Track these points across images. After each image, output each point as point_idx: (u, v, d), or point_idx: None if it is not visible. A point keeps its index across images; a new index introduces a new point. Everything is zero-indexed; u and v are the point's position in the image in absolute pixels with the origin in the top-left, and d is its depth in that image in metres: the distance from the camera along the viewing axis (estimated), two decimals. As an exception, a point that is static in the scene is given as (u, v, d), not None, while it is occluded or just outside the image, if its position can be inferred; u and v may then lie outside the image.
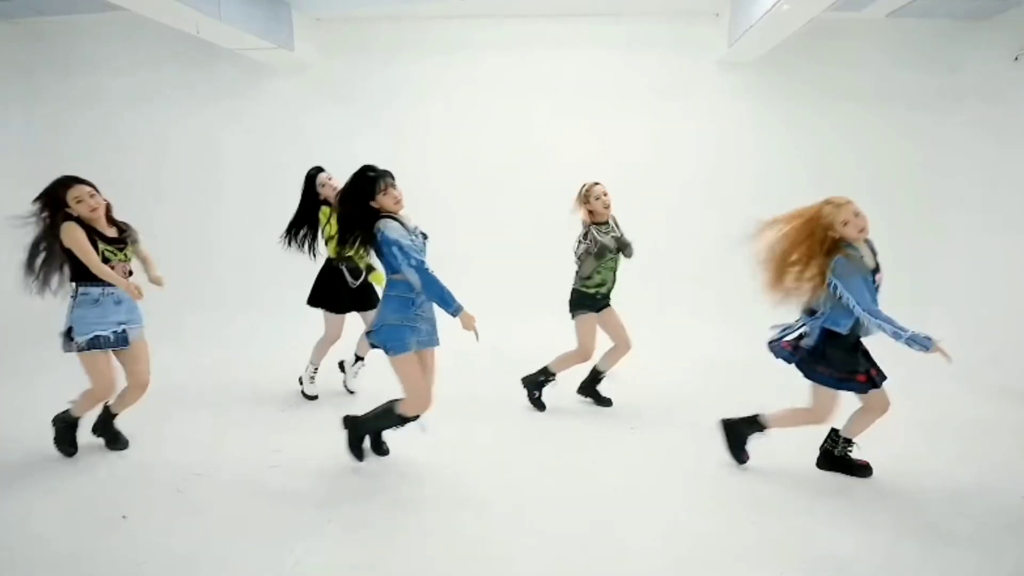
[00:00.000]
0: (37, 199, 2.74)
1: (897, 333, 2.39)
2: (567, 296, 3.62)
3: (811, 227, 2.55)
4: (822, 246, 2.53)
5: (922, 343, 2.34)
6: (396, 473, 2.86)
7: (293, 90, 5.78)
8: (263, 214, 5.81)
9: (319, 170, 3.67)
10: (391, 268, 2.61)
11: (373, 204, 2.57)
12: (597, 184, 3.50)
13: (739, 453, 2.89)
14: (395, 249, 2.51)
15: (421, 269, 2.54)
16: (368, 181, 2.56)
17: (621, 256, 3.59)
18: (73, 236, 2.67)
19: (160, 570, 2.12)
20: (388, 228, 2.53)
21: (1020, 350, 4.38)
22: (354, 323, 3.81)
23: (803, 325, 2.72)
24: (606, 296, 3.59)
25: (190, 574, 2.10)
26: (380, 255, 2.60)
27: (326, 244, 3.68)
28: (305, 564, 2.15)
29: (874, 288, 2.57)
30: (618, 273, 3.63)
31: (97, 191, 2.81)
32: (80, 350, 2.70)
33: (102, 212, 2.79)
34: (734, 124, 5.62)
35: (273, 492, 2.66)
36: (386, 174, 2.60)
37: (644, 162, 5.62)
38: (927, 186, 5.45)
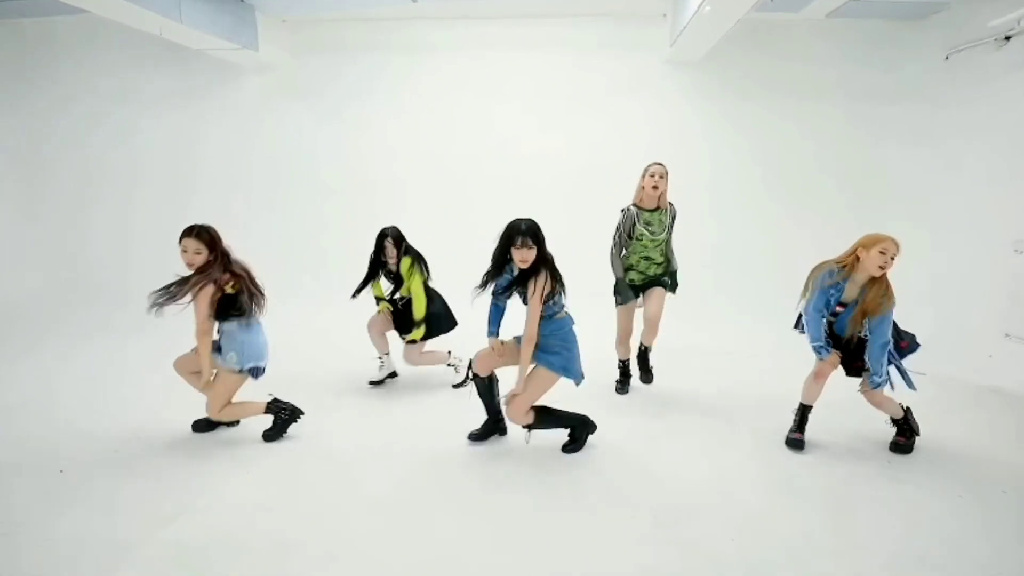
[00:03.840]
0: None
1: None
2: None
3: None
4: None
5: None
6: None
7: (260, 89, 6.05)
8: (233, 209, 6.12)
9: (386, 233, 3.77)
10: None
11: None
12: (656, 164, 3.50)
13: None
14: None
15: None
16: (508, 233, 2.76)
17: (663, 244, 3.58)
18: None
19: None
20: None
21: (947, 339, 4.59)
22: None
23: None
24: (638, 286, 3.64)
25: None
26: None
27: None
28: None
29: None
30: (656, 264, 3.61)
31: (203, 246, 2.77)
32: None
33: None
34: (684, 121, 5.84)
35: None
36: (522, 233, 2.69)
37: (599, 159, 5.86)
38: (863, 180, 5.65)
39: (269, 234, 6.10)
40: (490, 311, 2.98)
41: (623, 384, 3.93)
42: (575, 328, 2.90)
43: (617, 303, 3.68)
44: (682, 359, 4.47)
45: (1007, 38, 4.46)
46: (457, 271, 5.74)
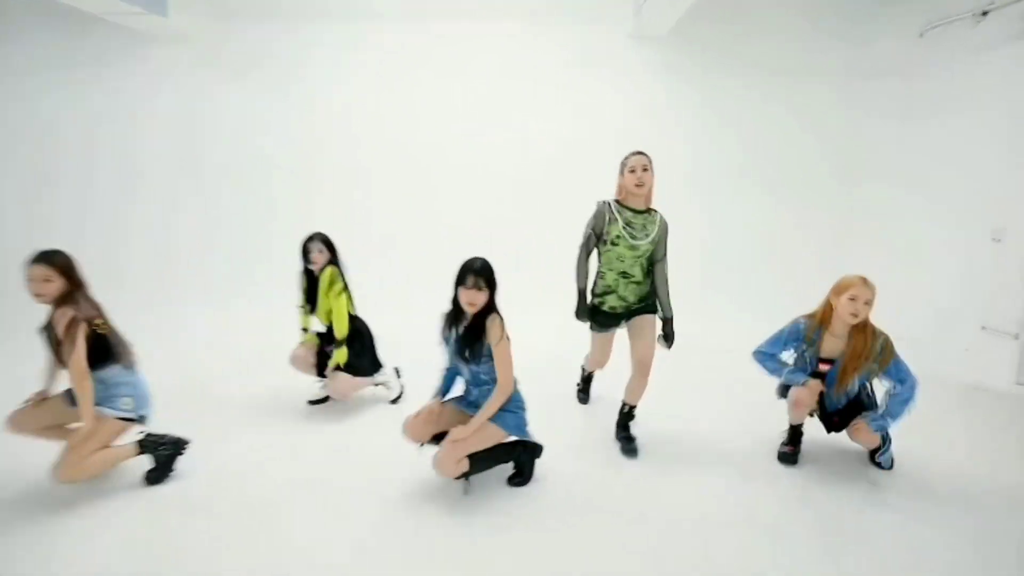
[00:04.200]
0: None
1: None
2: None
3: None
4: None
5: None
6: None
7: (176, 61, 5.32)
8: (142, 194, 5.42)
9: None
10: None
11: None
12: (637, 153, 2.71)
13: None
14: None
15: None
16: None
17: (648, 256, 2.75)
18: None
19: None
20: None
21: (927, 334, 4.36)
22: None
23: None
24: (620, 314, 2.81)
25: None
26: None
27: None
28: None
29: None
30: (636, 283, 2.76)
31: (54, 273, 2.27)
32: None
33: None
34: (654, 100, 5.43)
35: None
36: (474, 271, 2.30)
37: (562, 139, 5.40)
38: (846, 162, 5.36)
39: (205, 221, 5.44)
40: (444, 373, 2.56)
41: (584, 392, 3.49)
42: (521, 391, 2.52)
43: (591, 328, 2.94)
44: (681, 357, 4.07)
45: (984, 13, 4.20)
46: (410, 254, 5.34)
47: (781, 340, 2.71)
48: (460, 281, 2.31)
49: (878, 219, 5.11)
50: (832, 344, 2.62)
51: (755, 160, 5.45)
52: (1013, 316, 3.97)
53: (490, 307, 2.33)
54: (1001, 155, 4.12)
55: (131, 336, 2.50)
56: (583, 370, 3.48)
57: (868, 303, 2.47)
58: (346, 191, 5.47)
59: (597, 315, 2.84)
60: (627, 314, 2.81)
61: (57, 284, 2.26)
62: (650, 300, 2.81)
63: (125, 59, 5.28)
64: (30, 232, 5.39)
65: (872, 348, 2.53)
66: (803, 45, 5.24)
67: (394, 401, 3.41)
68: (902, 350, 2.60)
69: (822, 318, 2.62)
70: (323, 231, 3.22)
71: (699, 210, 5.43)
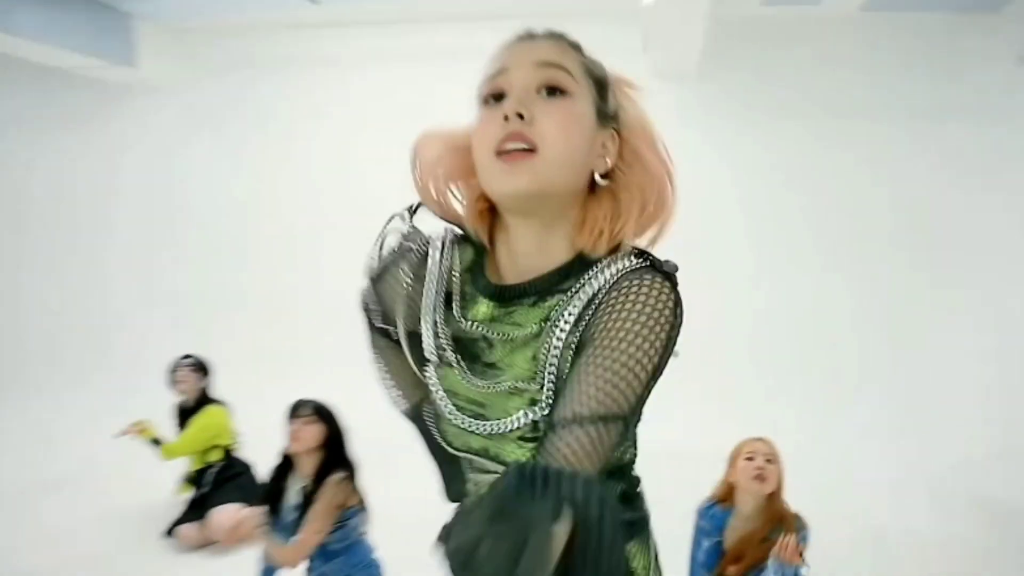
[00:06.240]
0: None
1: None
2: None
3: None
4: None
5: None
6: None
7: (147, 112, 5.02)
8: (121, 256, 5.14)
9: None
10: None
11: None
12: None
13: None
14: None
15: None
16: None
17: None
18: None
19: None
20: None
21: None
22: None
23: None
24: None
25: None
26: None
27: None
28: None
29: None
30: None
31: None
32: None
33: None
34: (683, 154, 4.47)
35: None
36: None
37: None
38: (925, 222, 4.11)
39: (175, 295, 5.08)
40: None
41: None
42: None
43: None
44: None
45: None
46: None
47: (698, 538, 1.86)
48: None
49: (988, 290, 3.86)
50: (737, 529, 1.80)
51: (807, 220, 4.35)
52: None
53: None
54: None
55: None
56: None
57: (772, 460, 1.78)
58: (327, 243, 4.86)
59: None
60: None
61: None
62: None
63: (97, 113, 5.06)
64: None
65: (765, 532, 1.72)
66: (866, 81, 4.13)
67: None
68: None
69: (723, 496, 1.84)
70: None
71: (746, 284, 4.37)
